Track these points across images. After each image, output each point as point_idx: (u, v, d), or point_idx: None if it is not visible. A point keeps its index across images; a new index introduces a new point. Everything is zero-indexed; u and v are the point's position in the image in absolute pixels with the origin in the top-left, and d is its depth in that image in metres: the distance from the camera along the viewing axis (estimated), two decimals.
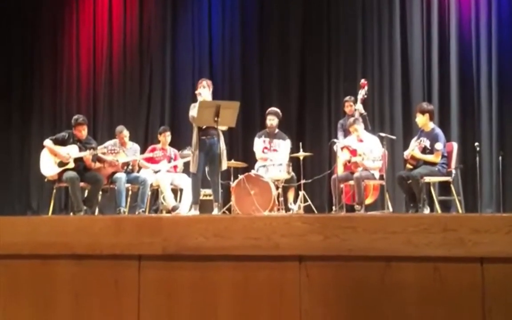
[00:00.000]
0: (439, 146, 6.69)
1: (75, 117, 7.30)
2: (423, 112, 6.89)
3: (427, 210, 6.74)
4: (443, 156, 6.77)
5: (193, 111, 6.52)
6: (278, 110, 7.98)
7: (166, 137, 8.05)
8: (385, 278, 2.15)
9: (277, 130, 7.92)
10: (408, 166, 6.90)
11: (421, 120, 6.89)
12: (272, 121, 7.85)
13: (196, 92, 6.76)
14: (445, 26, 8.78)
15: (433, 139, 6.76)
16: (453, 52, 8.63)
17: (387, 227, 2.13)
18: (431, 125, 6.91)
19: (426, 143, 6.79)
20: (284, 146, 7.86)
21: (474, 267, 2.07)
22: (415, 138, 6.99)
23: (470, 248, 2.06)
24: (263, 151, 7.85)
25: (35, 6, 10.75)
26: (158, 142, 8.16)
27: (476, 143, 7.51)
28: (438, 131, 6.88)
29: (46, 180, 7.21)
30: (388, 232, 2.13)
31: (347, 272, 2.19)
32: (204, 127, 6.55)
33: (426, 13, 8.90)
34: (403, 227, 2.12)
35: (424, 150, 6.81)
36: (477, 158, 7.47)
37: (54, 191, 7.23)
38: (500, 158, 7.68)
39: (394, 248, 2.12)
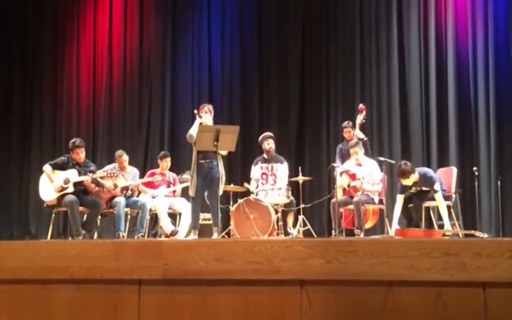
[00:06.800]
0: (437, 186, 6.63)
1: (73, 140, 7.31)
2: (403, 177, 6.65)
3: None
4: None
5: (192, 130, 6.52)
6: (271, 133, 8.00)
7: (167, 162, 8.01)
8: (387, 302, 2.13)
9: (274, 154, 7.92)
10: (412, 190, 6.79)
11: (409, 180, 6.68)
12: (270, 144, 7.85)
13: (197, 117, 6.68)
14: (442, 50, 8.82)
15: (429, 183, 6.68)
16: (451, 76, 8.65)
17: (389, 251, 2.13)
18: (420, 172, 6.75)
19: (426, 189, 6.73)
20: (282, 169, 7.85)
21: (477, 292, 2.06)
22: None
23: (472, 273, 2.05)
24: (261, 177, 7.83)
25: (36, 31, 10.83)
26: (157, 166, 8.13)
27: (475, 168, 7.51)
28: (427, 171, 6.82)
29: (45, 204, 7.18)
30: (390, 256, 2.12)
31: (349, 296, 2.18)
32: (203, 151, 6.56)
33: (423, 37, 8.94)
34: (405, 251, 2.11)
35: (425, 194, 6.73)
36: (476, 183, 7.46)
37: (53, 215, 7.19)
38: (499, 182, 7.67)
39: (396, 272, 2.11)
